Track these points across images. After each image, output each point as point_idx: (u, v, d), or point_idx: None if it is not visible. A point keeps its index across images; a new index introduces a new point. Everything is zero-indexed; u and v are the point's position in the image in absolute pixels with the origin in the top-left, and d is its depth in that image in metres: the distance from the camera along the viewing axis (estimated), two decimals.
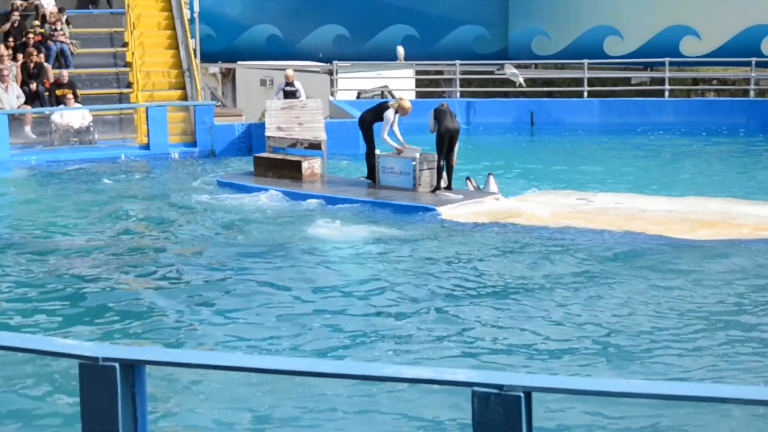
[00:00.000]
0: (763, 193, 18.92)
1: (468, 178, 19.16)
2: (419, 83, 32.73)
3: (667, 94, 28.92)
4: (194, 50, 27.98)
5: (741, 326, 11.40)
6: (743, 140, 25.53)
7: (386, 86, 31.25)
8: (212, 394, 9.58)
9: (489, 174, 19.12)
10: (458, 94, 29.46)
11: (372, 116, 19.77)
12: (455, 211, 17.68)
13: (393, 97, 29.13)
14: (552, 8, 31.47)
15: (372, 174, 19.73)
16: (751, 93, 28.80)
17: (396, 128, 19.34)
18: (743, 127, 26.59)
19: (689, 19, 29.95)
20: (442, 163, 18.62)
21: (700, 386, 9.15)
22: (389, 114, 19.32)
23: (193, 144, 25.19)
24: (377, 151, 19.58)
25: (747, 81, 29.48)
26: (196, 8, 29.31)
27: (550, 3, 31.45)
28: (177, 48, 27.78)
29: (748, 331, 11.27)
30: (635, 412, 8.75)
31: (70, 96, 24.79)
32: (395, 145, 19.35)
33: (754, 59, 28.44)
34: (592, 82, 29.98)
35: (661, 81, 29.37)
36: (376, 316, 12.23)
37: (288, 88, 24.24)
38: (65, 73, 25.36)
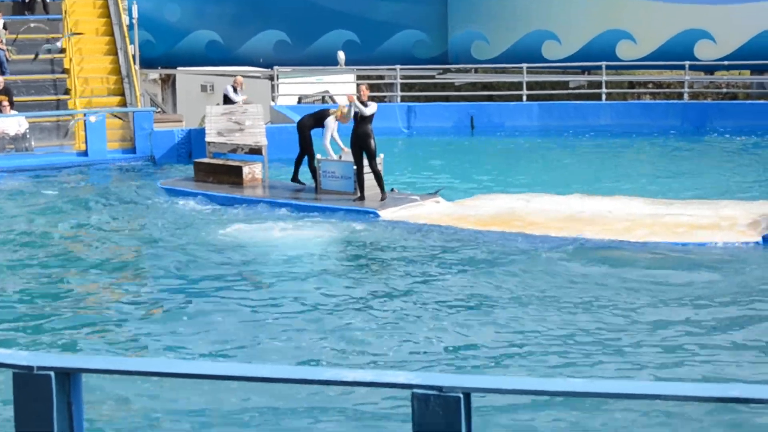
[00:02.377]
0: (690, 192, 19.27)
1: (393, 189, 19.28)
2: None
3: (604, 97, 29.19)
4: (133, 56, 27.85)
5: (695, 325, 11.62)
6: (674, 142, 25.86)
7: (327, 91, 31.31)
8: (151, 401, 9.61)
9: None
10: (399, 99, 29.57)
11: (312, 122, 19.80)
12: (396, 214, 17.81)
13: (334, 102, 29.23)
14: (490, 13, 31.62)
15: (295, 176, 19.89)
16: (685, 96, 29.12)
17: (336, 134, 19.45)
18: (678, 129, 26.90)
19: (625, 23, 30.25)
20: (378, 168, 18.64)
21: (632, 383, 9.36)
22: (330, 121, 19.40)
23: (133, 150, 25.09)
24: (318, 156, 19.64)
25: (681, 84, 29.77)
26: (135, 14, 29.20)
27: (488, 8, 31.60)
28: (116, 54, 27.63)
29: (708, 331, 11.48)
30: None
31: (6, 103, 24.55)
32: (334, 155, 19.46)
33: (687, 63, 28.77)
34: (531, 85, 30.18)
35: (599, 84, 29.66)
36: (316, 319, 12.29)
37: (237, 95, 24.29)
38: (1, 79, 25.13)
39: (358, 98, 18.26)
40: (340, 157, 19.35)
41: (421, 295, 13.15)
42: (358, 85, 19.75)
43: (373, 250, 15.92)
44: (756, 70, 30.23)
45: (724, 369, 10.32)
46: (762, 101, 28.38)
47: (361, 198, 18.50)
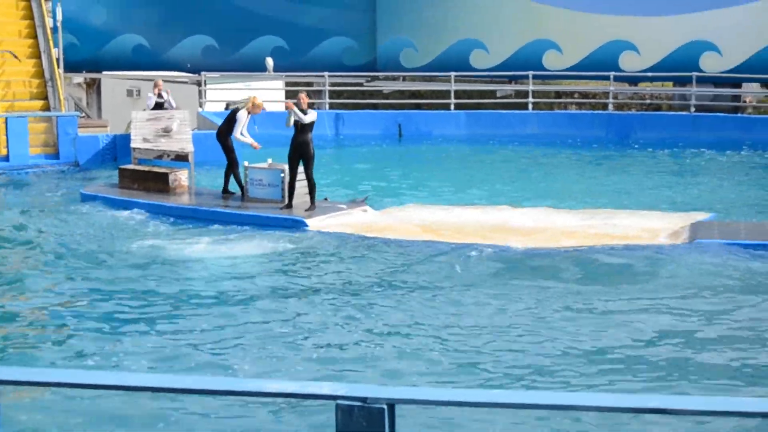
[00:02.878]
0: (614, 203, 19.51)
1: (326, 198, 19.33)
2: (289, 94, 32.83)
3: (530, 106, 29.44)
4: (57, 59, 27.56)
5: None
6: (599, 152, 26.14)
7: (255, 97, 31.25)
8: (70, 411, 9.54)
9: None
10: (327, 106, 29.61)
11: (227, 126, 19.79)
12: (323, 222, 17.83)
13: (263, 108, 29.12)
14: (419, 21, 31.77)
15: (225, 188, 19.83)
16: (610, 106, 29.43)
17: (245, 130, 19.48)
18: (602, 140, 27.22)
19: (551, 33, 30.51)
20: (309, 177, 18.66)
21: (552, 395, 9.47)
22: (242, 115, 19.47)
23: (56, 155, 24.87)
24: (245, 163, 19.58)
25: (606, 95, 30.11)
26: (59, 16, 28.83)
27: (417, 16, 31.74)
28: (39, 57, 27.33)
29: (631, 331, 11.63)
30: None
31: None
32: (250, 140, 19.46)
33: (612, 73, 29.15)
34: (458, 94, 30.28)
35: (525, 94, 29.87)
36: (240, 326, 12.29)
37: (158, 99, 24.05)
38: None
39: (298, 106, 18.25)
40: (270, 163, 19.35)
41: (348, 305, 13.21)
42: (297, 92, 19.68)
43: (302, 259, 15.92)
44: (678, 81, 30.64)
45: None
46: (684, 113, 28.78)
47: (289, 206, 18.49)
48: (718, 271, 14.40)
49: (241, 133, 19.44)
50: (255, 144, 19.44)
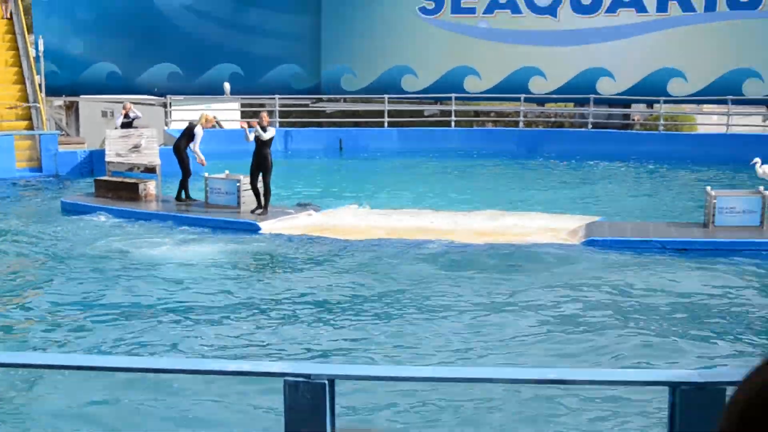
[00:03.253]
0: (523, 205, 19.87)
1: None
2: (244, 114, 32.82)
3: (453, 124, 29.57)
4: (40, 85, 27.50)
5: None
6: (510, 163, 26.33)
7: (215, 117, 31.25)
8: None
9: None
10: (278, 124, 29.67)
11: (185, 141, 19.91)
12: (274, 225, 18.00)
13: (221, 126, 29.22)
14: (358, 50, 31.79)
15: (187, 195, 19.95)
16: (520, 124, 29.70)
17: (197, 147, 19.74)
18: (514, 153, 27.45)
19: (471, 61, 30.67)
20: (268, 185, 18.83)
21: (468, 369, 9.79)
22: (199, 130, 19.72)
23: (39, 169, 24.87)
24: (206, 174, 19.69)
25: (517, 113, 30.29)
26: (41, 47, 28.80)
27: (356, 45, 31.75)
28: (23, 83, 27.25)
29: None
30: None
31: None
32: (201, 156, 19.70)
33: (522, 95, 29.41)
34: (391, 113, 30.23)
35: (449, 113, 29.95)
36: (196, 318, 12.45)
37: (125, 120, 23.99)
38: None
39: (259, 124, 18.47)
40: (227, 174, 19.50)
41: (300, 296, 13.43)
42: (254, 113, 19.91)
43: (258, 256, 16.10)
44: (578, 102, 31.04)
45: (564, 346, 10.84)
46: (582, 129, 29.17)
47: (265, 211, 18.63)
48: (608, 263, 14.83)
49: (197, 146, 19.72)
50: (203, 160, 19.64)
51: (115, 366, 8.56)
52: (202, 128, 19.88)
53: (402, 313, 12.39)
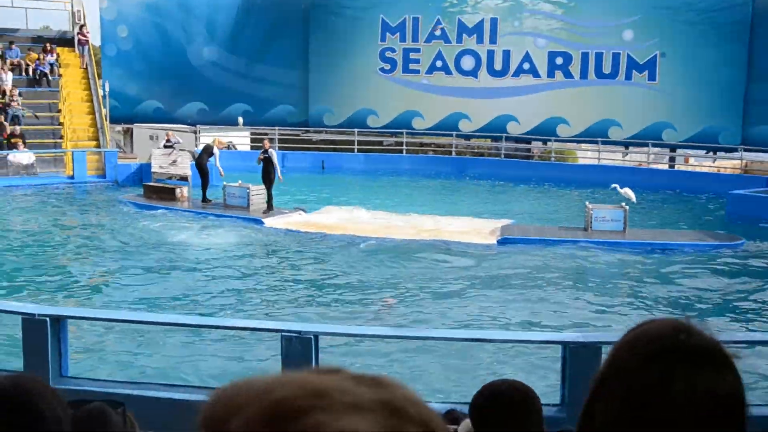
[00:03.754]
0: (453, 211, 19.81)
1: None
2: (253, 141, 32.64)
3: (404, 151, 29.72)
4: (105, 115, 27.19)
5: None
6: (445, 181, 26.36)
7: (231, 142, 31.02)
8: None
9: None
10: (277, 148, 29.50)
11: (205, 157, 19.90)
12: (274, 221, 17.85)
13: (236, 148, 28.95)
14: (336, 95, 31.70)
15: (204, 197, 19.60)
16: (453, 153, 29.89)
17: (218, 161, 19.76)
18: (448, 173, 27.51)
19: (417, 106, 30.74)
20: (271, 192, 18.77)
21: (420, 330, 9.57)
22: (215, 150, 19.74)
23: (103, 176, 24.49)
24: (224, 183, 19.52)
25: (450, 145, 30.53)
26: (107, 88, 28.51)
27: (334, 92, 31.67)
28: (94, 114, 26.98)
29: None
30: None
31: (21, 143, 23.73)
32: (221, 169, 19.65)
33: (454, 133, 29.61)
34: (360, 142, 30.44)
35: (401, 144, 30.15)
36: (216, 281, 12.27)
37: (167, 144, 23.66)
38: (18, 128, 24.23)
39: (263, 149, 18.56)
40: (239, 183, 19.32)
41: (287, 268, 13.31)
42: (261, 139, 20.04)
43: (260, 244, 15.94)
44: (493, 138, 31.14)
45: (492, 315, 10.74)
46: (497, 158, 29.31)
47: (270, 209, 18.37)
48: (517, 256, 14.79)
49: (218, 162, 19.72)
50: (221, 172, 19.64)
51: (148, 320, 8.26)
52: (219, 148, 19.92)
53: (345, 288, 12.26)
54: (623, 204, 16.89)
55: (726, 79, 27.63)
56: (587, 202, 17.19)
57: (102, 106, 27.39)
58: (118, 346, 9.05)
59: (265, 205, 18.81)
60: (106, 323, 8.76)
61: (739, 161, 28.01)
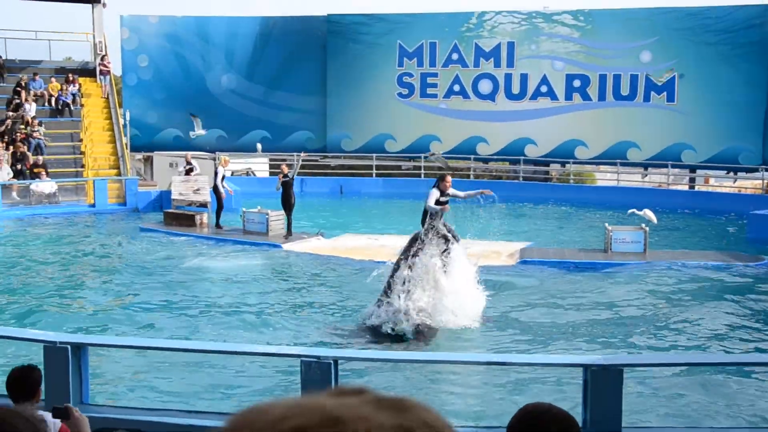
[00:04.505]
0: (476, 234, 19.75)
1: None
2: (272, 167, 32.80)
3: (422, 175, 29.72)
4: (126, 144, 27.45)
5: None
6: (462, 203, 26.18)
7: (250, 168, 31.24)
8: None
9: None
10: (296, 173, 29.54)
11: (215, 182, 20.06)
12: (293, 246, 17.89)
13: (255, 175, 29.05)
14: (353, 121, 31.84)
15: (217, 223, 19.80)
16: (471, 176, 29.73)
17: (219, 180, 19.86)
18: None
19: (435, 131, 30.65)
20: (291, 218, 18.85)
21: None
22: (219, 169, 19.94)
23: (124, 204, 24.67)
24: (243, 209, 19.60)
25: (468, 169, 30.45)
26: (128, 117, 28.84)
27: (352, 118, 31.81)
28: (114, 143, 27.23)
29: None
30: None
31: (43, 173, 24.04)
32: (226, 186, 19.94)
33: (472, 156, 29.55)
34: (378, 167, 30.50)
35: (419, 168, 30.15)
36: (236, 307, 12.25)
37: (188, 166, 23.82)
38: (40, 158, 24.61)
39: (282, 173, 18.68)
40: (259, 209, 19.38)
41: (308, 297, 13.29)
42: (278, 165, 20.18)
43: (279, 269, 15.97)
44: (512, 162, 31.06)
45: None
46: (515, 181, 29.21)
47: (290, 234, 18.45)
48: (536, 277, 14.73)
49: (221, 181, 19.78)
50: (230, 190, 19.81)
51: (171, 347, 8.26)
52: (222, 167, 20.02)
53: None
54: (643, 225, 16.78)
55: (745, 100, 27.50)
56: (606, 224, 17.10)
57: (123, 135, 27.69)
58: (139, 372, 9.07)
59: (285, 231, 18.85)
60: (127, 349, 8.78)
61: (761, 181, 27.76)
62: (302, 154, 21.15)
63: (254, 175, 31.07)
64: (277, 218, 19.09)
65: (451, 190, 11.81)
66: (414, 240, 11.67)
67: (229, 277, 14.68)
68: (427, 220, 11.57)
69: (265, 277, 14.85)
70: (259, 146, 31.22)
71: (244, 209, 19.65)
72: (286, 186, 18.69)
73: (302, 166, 31.66)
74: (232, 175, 29.78)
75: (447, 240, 11.49)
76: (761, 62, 27.42)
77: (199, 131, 30.45)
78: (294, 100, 32.37)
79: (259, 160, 31.90)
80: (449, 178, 11.96)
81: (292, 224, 18.79)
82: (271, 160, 32.47)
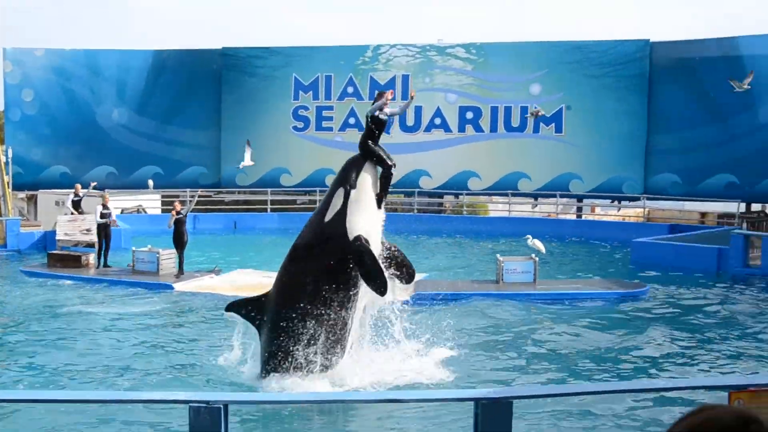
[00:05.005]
0: None
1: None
2: (164, 203, 32.06)
3: None
4: (8, 183, 26.28)
5: None
6: None
7: (140, 205, 30.46)
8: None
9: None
10: (190, 210, 28.99)
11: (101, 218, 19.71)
12: (185, 286, 17.44)
13: (145, 212, 28.33)
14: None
15: (105, 262, 19.51)
16: None
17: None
18: None
19: (330, 164, 30.23)
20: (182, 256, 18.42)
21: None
22: (99, 207, 19.78)
23: (5, 246, 23.51)
24: (133, 248, 19.05)
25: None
26: (10, 155, 27.67)
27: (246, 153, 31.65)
28: None
29: None
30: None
31: None
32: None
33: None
34: (273, 202, 30.31)
35: (315, 201, 29.98)
36: (121, 353, 11.80)
37: (75, 198, 22.48)
38: None
39: (175, 210, 18.28)
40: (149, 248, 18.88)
41: (199, 338, 12.90)
42: (172, 201, 19.70)
43: (170, 310, 15.49)
44: (406, 194, 31.27)
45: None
46: (410, 213, 29.53)
47: (182, 273, 18.03)
48: (430, 310, 14.76)
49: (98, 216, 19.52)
50: (114, 221, 19.74)
51: (58, 398, 7.86)
52: (103, 203, 19.71)
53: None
54: (533, 255, 17.17)
55: (628, 131, 28.74)
56: (498, 255, 17.40)
57: (3, 173, 26.47)
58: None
59: (176, 269, 18.41)
60: None
61: (642, 209, 29.00)
62: (198, 191, 20.78)
63: (145, 212, 30.29)
64: (168, 257, 18.62)
65: (388, 110, 10.07)
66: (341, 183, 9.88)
67: (113, 322, 14.11)
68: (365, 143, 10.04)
69: (153, 320, 14.35)
70: (150, 182, 30.56)
71: (133, 248, 19.09)
72: (179, 223, 18.29)
73: (196, 203, 31.18)
74: (122, 212, 28.93)
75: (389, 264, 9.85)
76: (642, 94, 28.76)
77: (248, 162, 29.41)
78: (187, 134, 31.88)
79: (150, 196, 31.15)
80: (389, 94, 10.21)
81: (183, 262, 18.37)
82: (163, 196, 31.75)
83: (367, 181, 9.92)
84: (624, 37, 29.45)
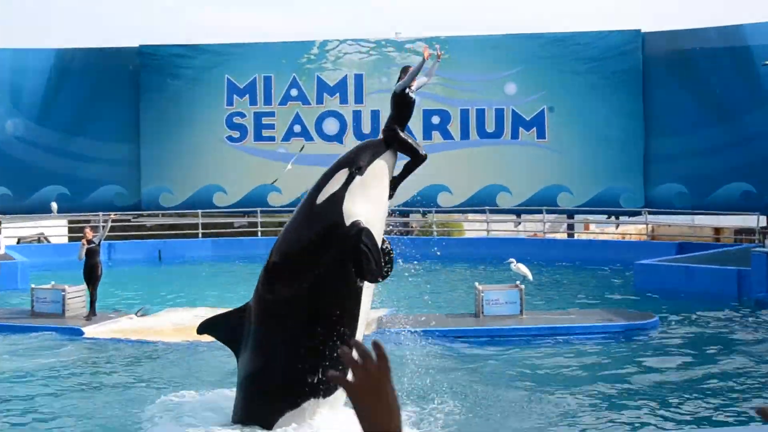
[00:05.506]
0: None
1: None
2: (71, 230, 31.27)
3: (260, 233, 29.21)
4: None
5: None
6: None
7: (42, 233, 29.68)
8: None
9: None
10: (104, 238, 28.33)
11: None
12: (96, 330, 16.79)
13: (48, 241, 27.58)
14: (174, 171, 31.22)
15: None
16: None
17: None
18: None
19: (271, 179, 30.57)
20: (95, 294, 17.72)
21: None
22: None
23: None
24: (32, 285, 18.38)
25: None
26: None
27: (172, 168, 31.18)
28: None
29: None
30: None
31: None
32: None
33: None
34: (206, 225, 29.88)
35: (256, 224, 29.69)
36: (24, 417, 11.20)
37: None
38: None
39: (85, 239, 17.66)
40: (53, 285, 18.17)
41: (113, 396, 12.29)
42: (82, 227, 18.96)
43: (78, 361, 14.78)
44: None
45: None
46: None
47: (93, 314, 17.32)
48: (395, 348, 14.36)
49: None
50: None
51: None
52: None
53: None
54: (518, 283, 16.86)
55: (622, 135, 28.77)
56: (477, 283, 17.07)
57: None
58: None
59: (87, 310, 17.74)
60: None
61: (645, 226, 28.96)
62: (111, 216, 20.07)
63: (48, 241, 29.47)
64: (76, 294, 17.96)
65: (415, 83, 9.75)
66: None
67: (9, 376, 13.41)
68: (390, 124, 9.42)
69: (58, 374, 13.66)
70: (54, 206, 29.88)
71: (33, 285, 18.36)
72: (91, 254, 17.61)
73: (111, 229, 30.43)
74: (18, 242, 28.06)
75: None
76: (635, 92, 28.83)
77: (288, 167, 28.62)
78: (99, 148, 31.29)
79: (54, 222, 30.35)
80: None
81: (96, 301, 17.68)
82: (70, 222, 31.01)
83: (381, 170, 9.22)
84: (611, 27, 29.61)
